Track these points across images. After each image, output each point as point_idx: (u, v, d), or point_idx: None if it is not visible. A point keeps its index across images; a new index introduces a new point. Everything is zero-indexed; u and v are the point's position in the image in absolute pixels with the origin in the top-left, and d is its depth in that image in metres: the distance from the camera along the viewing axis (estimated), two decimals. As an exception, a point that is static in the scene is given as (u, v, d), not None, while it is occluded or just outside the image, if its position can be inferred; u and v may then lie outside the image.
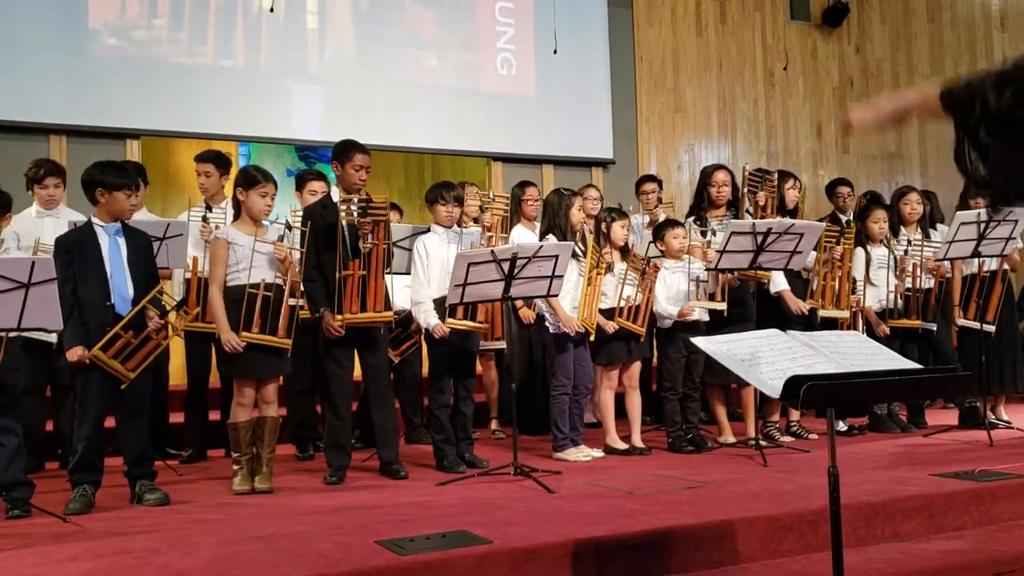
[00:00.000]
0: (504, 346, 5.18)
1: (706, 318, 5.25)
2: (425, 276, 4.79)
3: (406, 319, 5.40)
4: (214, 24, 7.43)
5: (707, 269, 5.25)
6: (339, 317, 4.39)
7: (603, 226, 5.18)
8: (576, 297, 4.97)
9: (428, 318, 4.72)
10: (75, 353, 3.89)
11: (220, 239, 4.32)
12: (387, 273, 4.60)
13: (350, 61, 7.94)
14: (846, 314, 5.53)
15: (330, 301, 4.41)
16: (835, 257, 5.54)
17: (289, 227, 4.45)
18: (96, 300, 3.95)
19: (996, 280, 5.86)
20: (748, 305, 5.44)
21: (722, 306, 5.16)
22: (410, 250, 5.01)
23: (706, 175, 5.67)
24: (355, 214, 4.46)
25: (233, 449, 4.35)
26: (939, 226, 6.51)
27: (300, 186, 5.65)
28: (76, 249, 3.99)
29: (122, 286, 4.01)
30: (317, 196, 5.36)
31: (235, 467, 4.33)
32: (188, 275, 5.09)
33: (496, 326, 5.33)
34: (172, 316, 4.24)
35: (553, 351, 5.01)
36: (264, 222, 4.42)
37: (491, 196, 5.14)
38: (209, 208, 5.26)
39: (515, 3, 8.53)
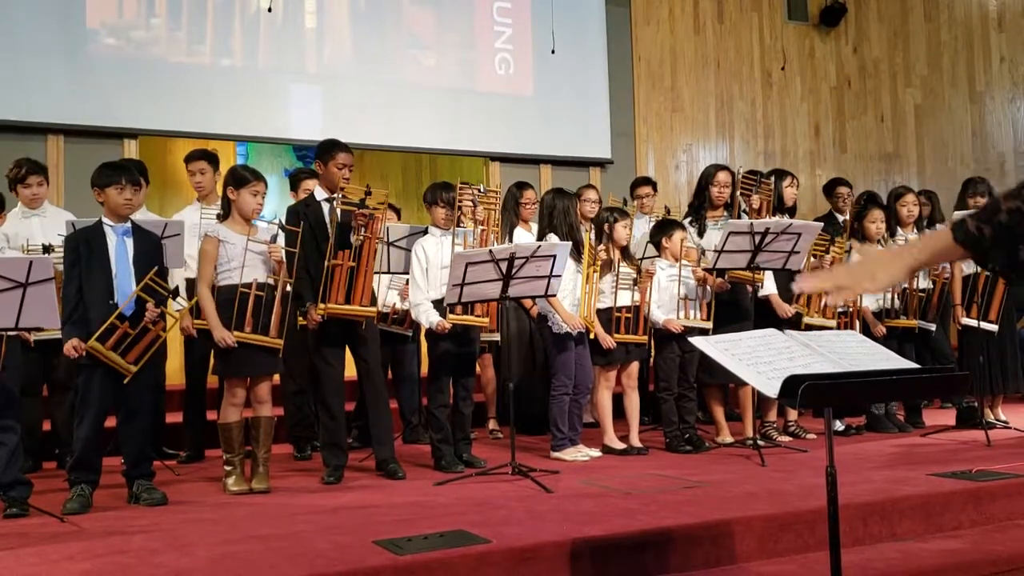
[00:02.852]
0: (498, 338, 5.15)
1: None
2: (423, 278, 4.79)
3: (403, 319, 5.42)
4: (212, 24, 7.42)
5: (705, 269, 5.25)
6: (322, 306, 4.36)
7: (606, 226, 5.18)
8: (576, 296, 4.98)
9: (429, 316, 4.71)
10: (69, 345, 3.88)
11: (211, 236, 4.32)
12: (377, 272, 4.57)
13: (348, 61, 7.94)
14: (832, 323, 5.51)
15: (316, 296, 4.39)
16: (824, 266, 5.52)
17: (283, 227, 4.44)
18: (99, 298, 3.96)
19: (998, 279, 5.86)
20: (745, 305, 5.44)
21: (707, 325, 5.17)
22: (409, 251, 5.00)
23: (708, 175, 5.65)
24: (337, 205, 4.44)
25: (225, 450, 4.33)
26: (938, 226, 6.52)
27: (295, 186, 5.65)
28: (83, 248, 4.01)
29: (126, 285, 4.01)
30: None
31: (227, 468, 4.32)
32: (189, 274, 5.08)
33: (491, 317, 5.26)
34: (169, 305, 4.23)
35: (554, 351, 5.01)
36: (254, 221, 4.42)
37: (482, 189, 5.10)
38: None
39: (513, 3, 8.52)
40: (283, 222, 4.54)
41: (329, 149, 4.63)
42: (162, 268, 4.23)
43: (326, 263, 4.38)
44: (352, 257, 4.42)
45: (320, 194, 4.63)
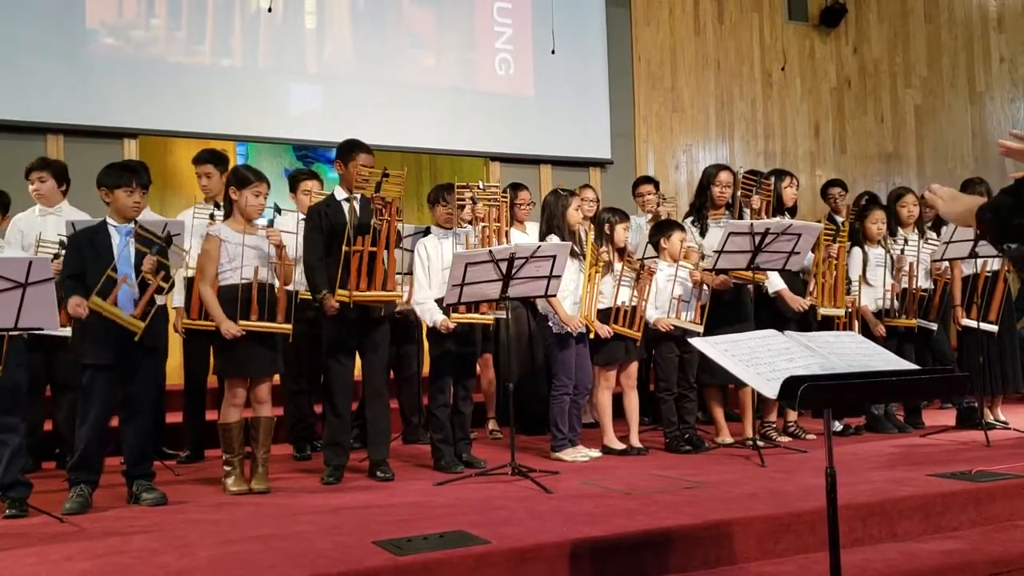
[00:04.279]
0: (504, 315, 5.12)
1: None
2: (426, 278, 4.79)
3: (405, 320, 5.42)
4: (212, 24, 7.42)
5: (705, 269, 5.26)
6: (344, 292, 4.32)
7: (606, 227, 5.17)
8: (578, 296, 4.98)
9: (433, 316, 4.71)
10: (72, 303, 3.84)
11: (213, 236, 4.33)
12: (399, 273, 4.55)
13: (348, 61, 7.94)
14: (842, 311, 5.54)
15: (331, 286, 4.37)
16: (832, 255, 5.54)
17: (278, 210, 4.43)
18: (101, 296, 3.95)
19: (998, 280, 5.86)
20: (746, 305, 5.44)
21: (698, 328, 5.16)
22: (410, 251, 5.00)
23: (709, 175, 5.64)
24: (355, 209, 4.42)
25: (225, 450, 4.33)
26: (943, 228, 6.50)
27: (293, 186, 5.64)
28: (87, 246, 4.01)
29: (129, 283, 4.00)
30: (310, 196, 5.36)
31: (227, 468, 4.32)
32: (190, 274, 5.07)
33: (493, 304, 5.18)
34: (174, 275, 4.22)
35: (555, 351, 5.01)
36: (256, 221, 4.42)
37: (481, 186, 5.09)
38: (218, 206, 5.23)
39: (513, 3, 8.52)
40: (277, 205, 4.50)
41: (350, 149, 4.61)
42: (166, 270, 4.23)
43: (345, 248, 4.34)
44: (372, 243, 4.37)
45: (340, 194, 4.60)
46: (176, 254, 4.35)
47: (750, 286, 5.43)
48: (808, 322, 5.43)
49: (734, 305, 5.37)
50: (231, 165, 5.57)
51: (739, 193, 5.57)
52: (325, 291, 4.40)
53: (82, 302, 3.86)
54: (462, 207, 4.91)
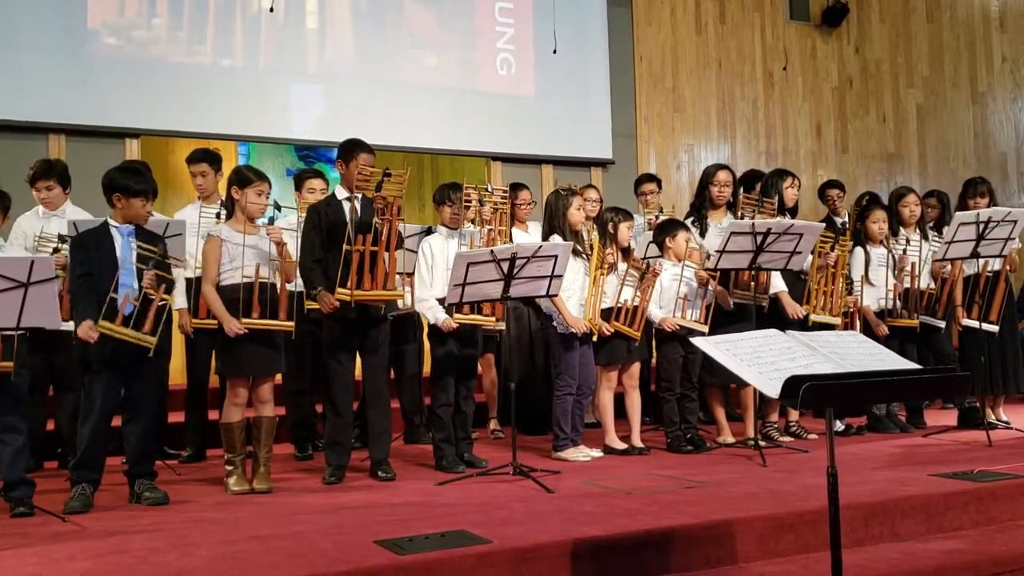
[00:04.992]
0: (503, 327, 5.12)
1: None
2: (429, 276, 4.79)
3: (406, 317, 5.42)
4: (213, 24, 7.43)
5: (706, 269, 5.25)
6: (343, 290, 4.31)
7: (609, 226, 5.17)
8: (583, 296, 4.98)
9: (436, 314, 4.71)
10: (84, 327, 3.85)
11: (214, 236, 4.34)
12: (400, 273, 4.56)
13: (349, 61, 7.94)
14: (837, 320, 5.50)
15: (329, 285, 4.37)
16: (829, 263, 5.50)
17: (278, 207, 4.44)
18: (104, 296, 3.95)
19: (999, 280, 5.85)
20: (748, 305, 5.43)
21: (703, 328, 5.15)
22: (413, 251, 5.00)
23: (708, 175, 5.64)
24: (358, 208, 4.41)
25: (227, 449, 4.34)
26: (946, 229, 6.48)
27: (299, 185, 5.65)
28: (92, 249, 4.02)
29: (130, 284, 4.01)
30: (316, 194, 5.36)
31: (228, 468, 4.33)
32: (193, 274, 5.06)
33: (497, 309, 5.19)
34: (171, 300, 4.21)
35: (560, 351, 5.01)
36: (258, 221, 4.42)
37: (489, 188, 5.09)
38: (222, 205, 5.23)
39: (514, 3, 8.52)
40: (277, 202, 4.52)
41: (351, 149, 4.60)
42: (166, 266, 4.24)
43: (346, 246, 4.33)
44: (373, 242, 4.37)
45: (341, 193, 4.60)
46: (174, 264, 4.37)
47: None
48: (806, 329, 5.40)
49: (736, 305, 5.36)
50: (224, 164, 5.56)
51: (740, 199, 5.55)
52: (320, 288, 4.40)
53: (93, 328, 3.85)
54: (468, 207, 4.91)
